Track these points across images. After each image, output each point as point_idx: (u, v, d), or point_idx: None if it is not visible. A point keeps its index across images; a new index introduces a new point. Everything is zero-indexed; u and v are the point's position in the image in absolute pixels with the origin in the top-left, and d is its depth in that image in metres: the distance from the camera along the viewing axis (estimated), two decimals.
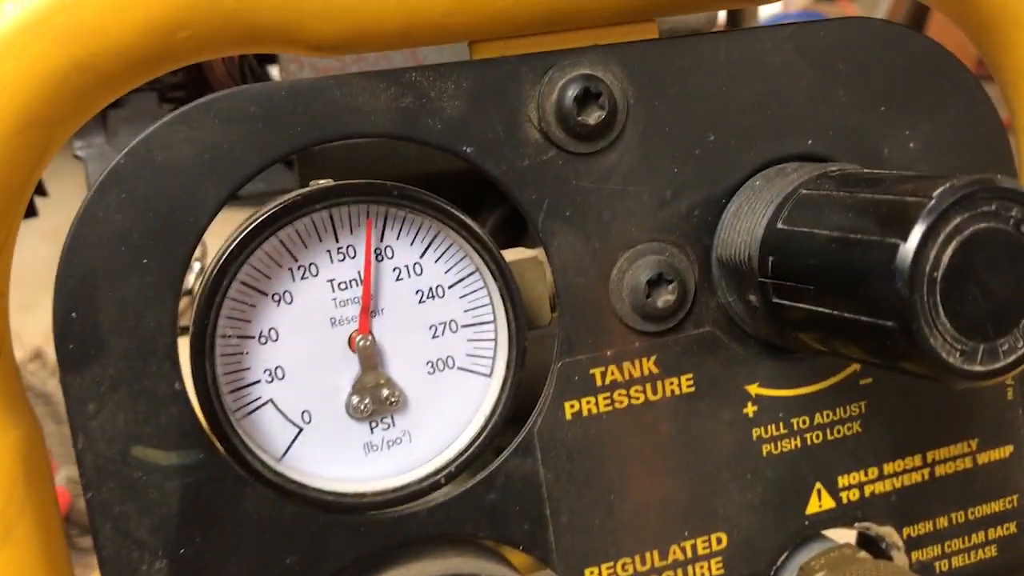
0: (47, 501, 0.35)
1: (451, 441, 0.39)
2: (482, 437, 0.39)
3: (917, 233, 0.31)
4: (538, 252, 0.41)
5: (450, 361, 0.39)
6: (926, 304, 0.31)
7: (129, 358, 0.35)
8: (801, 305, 0.36)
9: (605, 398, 0.40)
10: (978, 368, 0.32)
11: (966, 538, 0.45)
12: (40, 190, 0.83)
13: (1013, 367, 0.32)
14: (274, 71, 0.69)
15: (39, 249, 0.95)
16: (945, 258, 0.31)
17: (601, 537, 0.40)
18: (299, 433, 0.38)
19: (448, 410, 0.39)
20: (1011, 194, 0.32)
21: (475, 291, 0.39)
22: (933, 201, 0.31)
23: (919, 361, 0.32)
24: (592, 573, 0.40)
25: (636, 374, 0.40)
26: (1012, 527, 0.46)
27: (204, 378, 0.36)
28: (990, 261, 0.32)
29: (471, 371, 0.40)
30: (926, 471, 0.44)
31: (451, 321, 0.39)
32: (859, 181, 0.36)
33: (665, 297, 0.40)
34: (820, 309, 0.35)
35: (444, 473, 0.38)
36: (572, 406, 0.39)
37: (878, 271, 0.31)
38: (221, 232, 0.39)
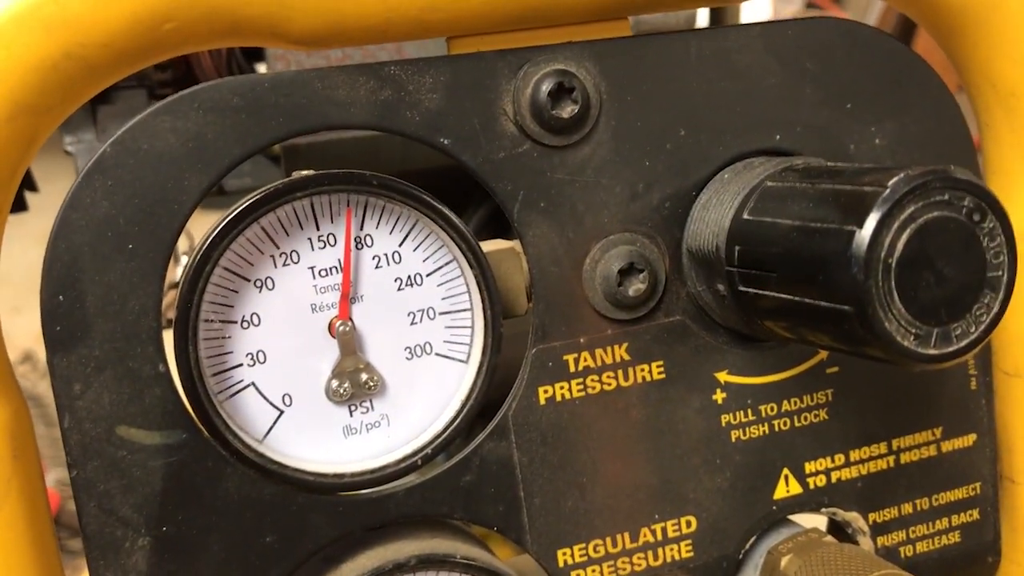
0: (34, 478, 0.36)
1: (428, 424, 0.40)
2: (458, 421, 0.40)
3: (872, 221, 0.32)
4: (515, 243, 0.42)
5: (428, 347, 0.41)
6: (881, 289, 0.32)
7: (114, 340, 0.36)
8: (766, 292, 0.37)
9: (578, 384, 0.41)
10: (932, 351, 0.33)
11: (930, 524, 0.46)
12: (30, 183, 0.84)
13: (966, 351, 0.34)
14: (261, 68, 0.70)
15: (29, 252, 0.95)
16: (900, 245, 0.32)
17: (574, 519, 0.41)
18: (280, 416, 0.39)
19: (425, 395, 0.40)
20: (964, 184, 0.33)
21: (452, 279, 0.41)
22: (888, 190, 0.32)
23: (875, 345, 0.33)
24: (565, 554, 0.41)
25: (608, 360, 0.41)
26: (975, 514, 0.47)
27: (187, 361, 0.37)
28: (943, 248, 0.33)
29: (448, 357, 0.41)
30: (891, 458, 0.45)
31: (429, 308, 0.40)
32: (821, 173, 0.37)
33: (636, 286, 0.41)
34: (783, 296, 0.36)
35: (420, 455, 0.39)
36: (546, 391, 0.41)
37: (836, 258, 0.33)
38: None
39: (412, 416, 0.40)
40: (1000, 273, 0.34)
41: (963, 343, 0.34)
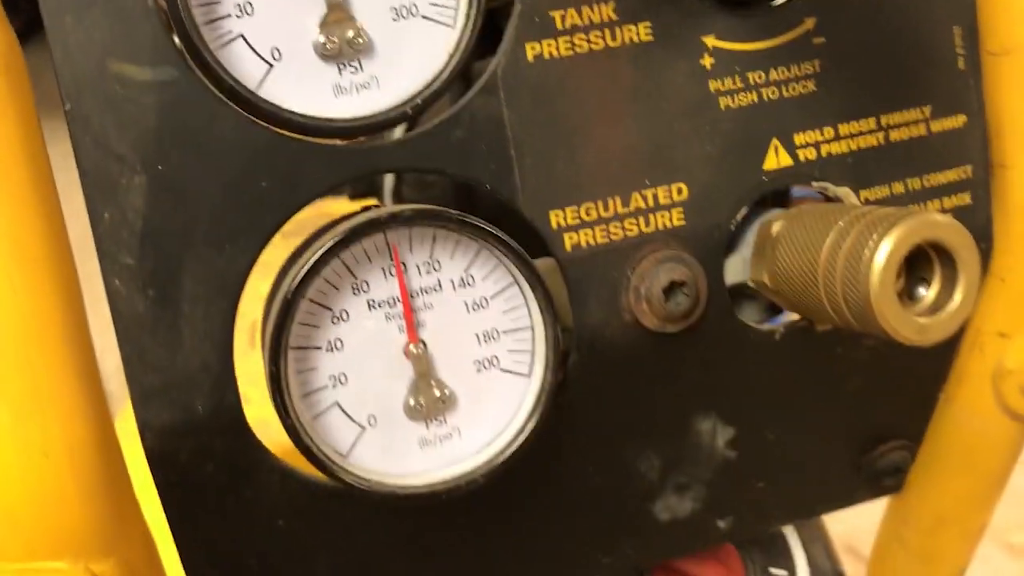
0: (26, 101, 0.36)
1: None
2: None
3: None
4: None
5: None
6: None
7: None
8: None
9: (566, 41, 0.41)
10: None
11: (921, 206, 0.46)
12: None
13: None
14: None
15: None
16: None
17: (565, 181, 0.42)
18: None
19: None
20: None
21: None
22: None
23: None
24: (557, 216, 0.42)
25: (595, 19, 0.41)
26: (966, 197, 0.47)
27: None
28: None
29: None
30: (881, 135, 0.45)
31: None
32: None
33: None
34: None
35: (410, 104, 0.40)
36: (533, 48, 0.41)
37: None
38: None
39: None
40: None
41: None
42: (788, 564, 0.62)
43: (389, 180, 0.59)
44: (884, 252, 0.36)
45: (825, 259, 0.39)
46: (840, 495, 0.55)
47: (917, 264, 0.39)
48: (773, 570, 0.62)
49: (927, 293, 0.39)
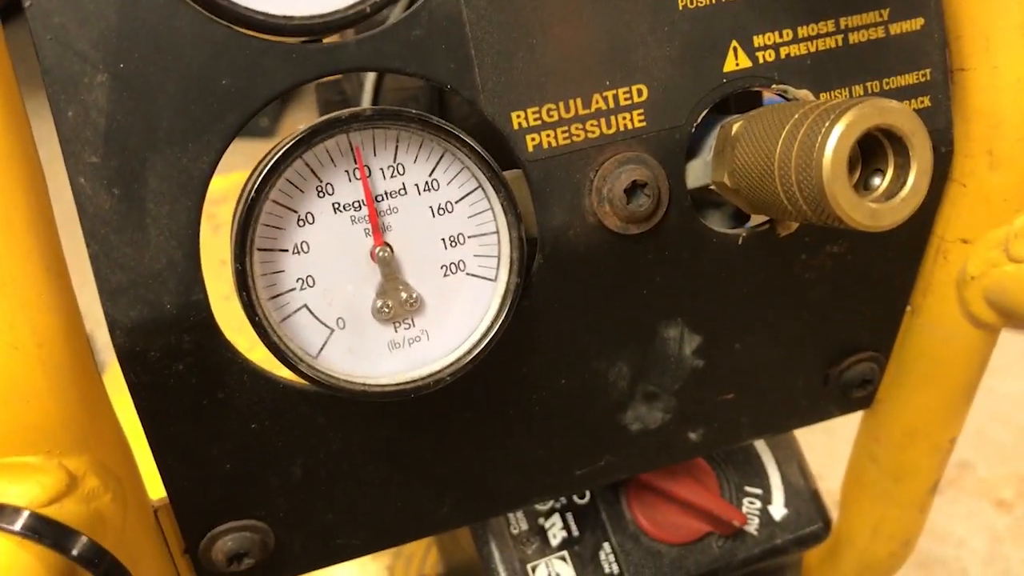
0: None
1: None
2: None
3: None
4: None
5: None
6: None
7: None
8: None
9: None
10: None
11: None
12: None
13: None
14: None
15: None
16: None
17: (525, 81, 0.42)
18: None
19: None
20: None
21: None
22: None
23: None
24: (519, 117, 0.42)
25: None
26: (926, 100, 0.48)
27: None
28: None
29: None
30: (839, 37, 0.46)
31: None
32: None
33: None
34: None
35: (369, 2, 0.40)
36: None
37: None
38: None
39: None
40: None
41: None
42: (763, 483, 0.63)
43: (367, 98, 0.59)
44: (835, 136, 0.37)
45: (780, 150, 0.39)
46: (810, 409, 0.56)
47: (872, 156, 0.39)
48: (748, 488, 0.63)
49: (881, 182, 0.39)
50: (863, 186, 0.40)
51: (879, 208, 0.38)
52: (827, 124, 0.37)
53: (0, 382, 0.37)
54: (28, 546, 0.37)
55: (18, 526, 0.37)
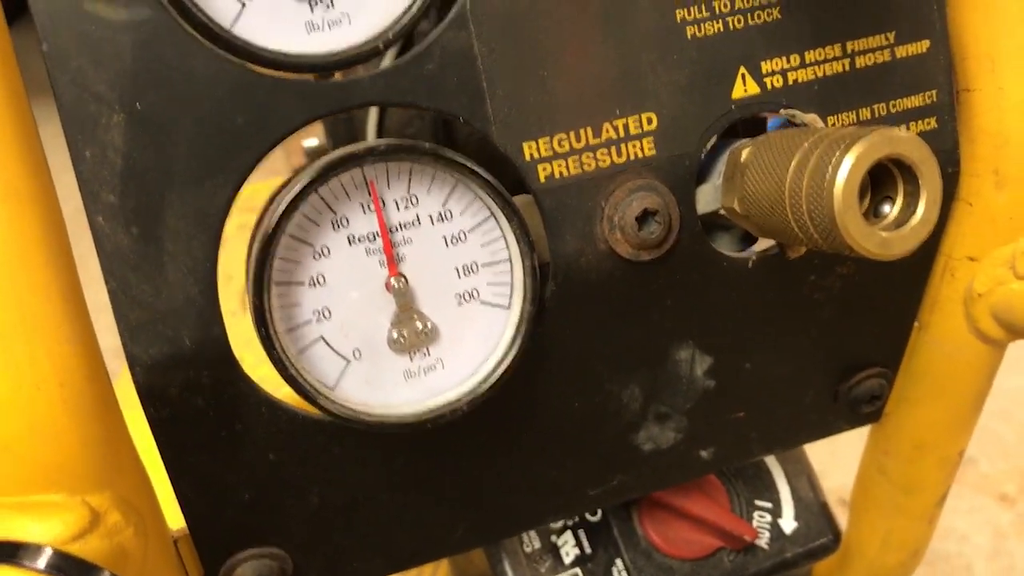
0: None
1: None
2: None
3: None
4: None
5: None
6: None
7: None
8: None
9: None
10: None
11: None
12: None
13: None
14: None
15: None
16: None
17: (537, 112, 0.43)
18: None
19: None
20: None
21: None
22: None
23: None
24: (530, 147, 0.43)
25: None
26: (932, 122, 0.48)
27: None
28: None
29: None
30: (846, 61, 0.46)
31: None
32: None
33: None
34: None
35: (381, 40, 0.41)
36: None
37: None
38: None
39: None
40: None
41: None
42: (773, 497, 0.64)
43: (372, 125, 0.60)
44: (846, 167, 0.37)
45: (791, 179, 0.40)
46: (820, 424, 0.57)
47: (882, 184, 0.40)
48: (758, 502, 0.63)
49: (891, 210, 0.40)
50: (873, 213, 0.40)
51: (890, 237, 0.38)
52: (837, 155, 0.38)
53: (23, 422, 0.37)
54: None
55: (42, 564, 0.37)
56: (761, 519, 0.62)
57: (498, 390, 0.44)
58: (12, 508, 0.38)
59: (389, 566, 0.50)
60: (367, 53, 0.40)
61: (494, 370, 0.44)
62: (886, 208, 0.40)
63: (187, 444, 0.42)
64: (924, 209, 0.39)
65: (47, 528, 0.38)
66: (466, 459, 0.48)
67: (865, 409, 0.57)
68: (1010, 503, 2.02)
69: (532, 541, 0.61)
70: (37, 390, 0.37)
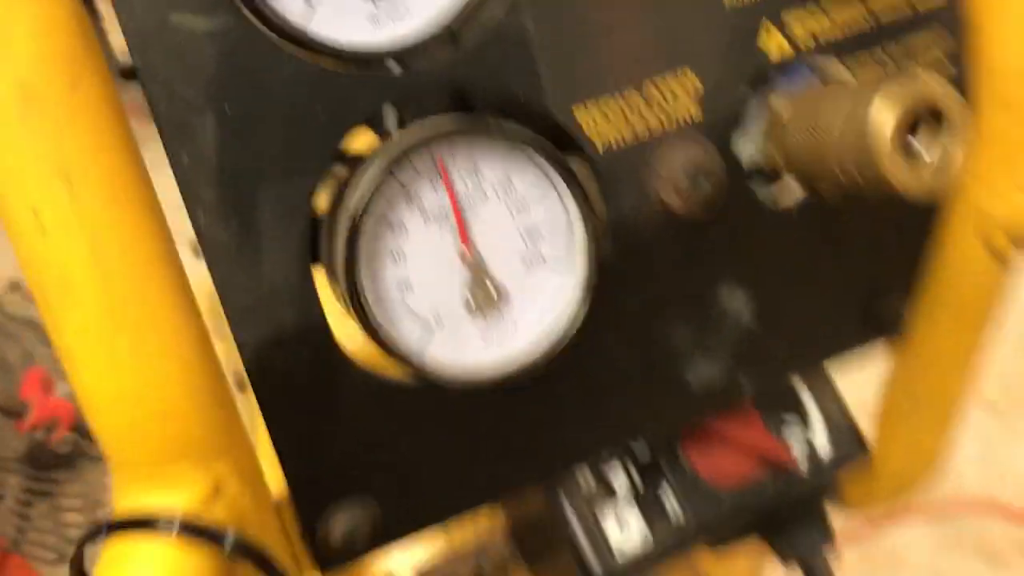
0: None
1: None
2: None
3: None
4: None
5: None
6: None
7: None
8: None
9: None
10: None
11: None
12: None
13: None
14: None
15: None
16: None
17: (586, 80, 0.46)
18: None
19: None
20: None
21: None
22: None
23: None
24: (584, 117, 0.46)
25: None
26: (952, 69, 0.52)
27: None
28: None
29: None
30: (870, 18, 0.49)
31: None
32: None
33: None
34: None
35: (451, 25, 0.43)
36: None
37: None
38: None
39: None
40: None
41: None
42: (806, 421, 0.68)
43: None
44: (888, 117, 0.41)
45: (837, 136, 0.43)
46: (848, 340, 0.61)
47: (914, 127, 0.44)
48: (786, 415, 0.68)
49: (925, 151, 0.43)
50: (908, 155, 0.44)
51: (928, 177, 0.42)
52: (875, 104, 0.41)
53: (155, 403, 0.40)
54: (188, 547, 0.41)
55: (175, 530, 0.41)
56: (798, 446, 0.67)
57: (567, 346, 0.47)
58: (146, 480, 0.42)
59: (464, 505, 0.54)
60: (434, 41, 0.43)
61: (566, 328, 0.47)
62: (918, 148, 0.44)
63: (289, 413, 0.46)
64: (955, 148, 0.42)
65: (179, 497, 0.42)
66: (531, 404, 0.52)
67: (888, 326, 0.62)
68: (998, 411, 2.11)
69: (587, 478, 0.65)
70: (167, 376, 0.40)
